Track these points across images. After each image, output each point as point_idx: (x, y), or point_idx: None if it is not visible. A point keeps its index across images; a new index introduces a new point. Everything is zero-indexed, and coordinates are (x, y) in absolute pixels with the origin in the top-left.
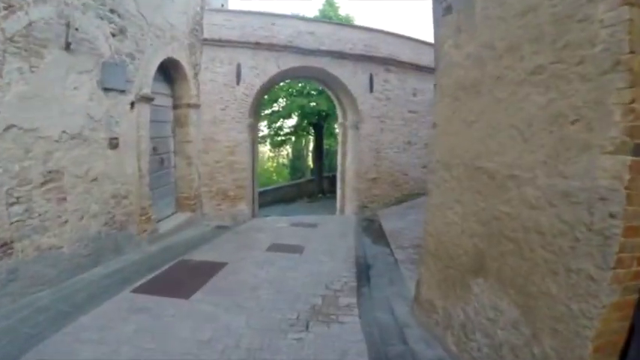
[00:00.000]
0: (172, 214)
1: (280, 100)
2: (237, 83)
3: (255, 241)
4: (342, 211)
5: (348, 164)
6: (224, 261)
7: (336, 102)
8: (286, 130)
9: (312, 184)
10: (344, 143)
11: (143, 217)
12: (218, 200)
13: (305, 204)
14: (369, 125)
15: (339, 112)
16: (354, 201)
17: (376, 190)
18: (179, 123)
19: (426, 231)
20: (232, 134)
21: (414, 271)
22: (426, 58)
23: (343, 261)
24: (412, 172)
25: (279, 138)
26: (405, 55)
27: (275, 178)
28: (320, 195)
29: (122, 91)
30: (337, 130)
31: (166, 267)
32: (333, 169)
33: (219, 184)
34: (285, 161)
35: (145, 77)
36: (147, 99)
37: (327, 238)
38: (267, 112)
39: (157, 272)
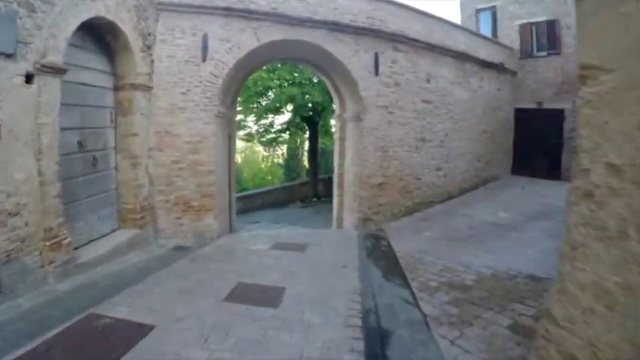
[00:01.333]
0: (112, 231)
1: (270, 93)
2: (204, 60)
3: (214, 277)
4: (340, 223)
5: (348, 165)
6: (151, 322)
7: (332, 91)
8: (277, 128)
9: (305, 187)
10: (342, 140)
11: (49, 243)
12: (178, 212)
13: (298, 209)
14: (373, 117)
15: (336, 102)
16: (355, 212)
17: (383, 198)
18: (121, 110)
19: (556, 340)
20: (196, 126)
21: (462, 347)
22: (438, 36)
23: (343, 324)
24: (425, 176)
25: (270, 136)
26: (416, 31)
27: (270, 178)
28: (314, 199)
29: (8, 56)
30: (334, 128)
31: (60, 329)
32: (330, 170)
33: (179, 191)
34: (281, 161)
35: (53, 39)
36: (56, 70)
37: (320, 270)
38: (253, 105)
39: (38, 341)
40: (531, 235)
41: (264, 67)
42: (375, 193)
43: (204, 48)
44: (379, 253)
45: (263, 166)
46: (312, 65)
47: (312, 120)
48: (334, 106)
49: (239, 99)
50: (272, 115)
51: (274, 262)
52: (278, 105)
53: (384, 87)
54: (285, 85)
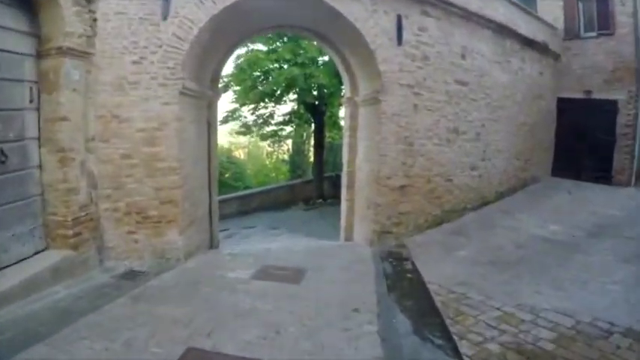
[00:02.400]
0: (34, 254)
1: (270, 78)
2: (165, 17)
3: (155, 334)
4: (349, 235)
5: (360, 162)
6: None
7: (341, 68)
8: (279, 119)
9: (309, 186)
10: (353, 130)
11: None
12: (130, 225)
13: (300, 212)
14: (395, 98)
15: (345, 82)
16: (370, 222)
17: (405, 204)
18: (46, 85)
19: None
20: (152, 107)
21: None
22: (476, 3)
23: None
24: (458, 177)
25: (270, 128)
26: None
27: (274, 175)
28: (319, 200)
29: None
30: (342, 121)
31: None
32: (339, 167)
33: (131, 196)
34: (286, 157)
35: None
36: None
37: (320, 319)
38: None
39: None
40: (601, 259)
41: (264, 50)
42: (396, 199)
43: (166, 1)
44: (405, 286)
45: (267, 162)
46: (316, 35)
47: (317, 109)
48: (343, 90)
49: (236, 87)
50: (272, 105)
51: (254, 305)
52: (276, 89)
53: (409, 60)
54: (286, 67)
